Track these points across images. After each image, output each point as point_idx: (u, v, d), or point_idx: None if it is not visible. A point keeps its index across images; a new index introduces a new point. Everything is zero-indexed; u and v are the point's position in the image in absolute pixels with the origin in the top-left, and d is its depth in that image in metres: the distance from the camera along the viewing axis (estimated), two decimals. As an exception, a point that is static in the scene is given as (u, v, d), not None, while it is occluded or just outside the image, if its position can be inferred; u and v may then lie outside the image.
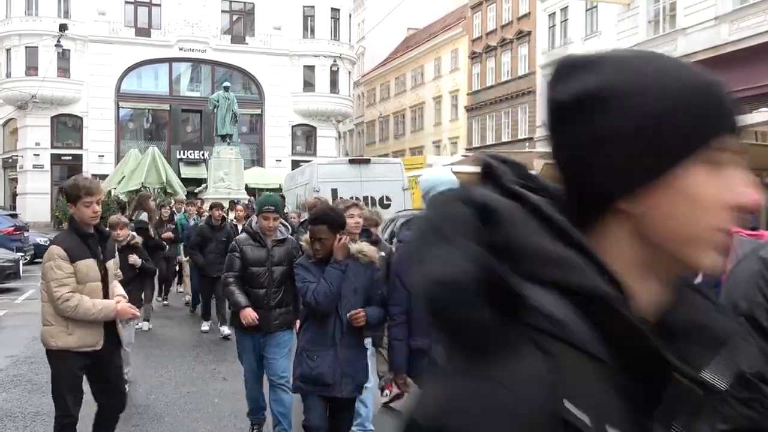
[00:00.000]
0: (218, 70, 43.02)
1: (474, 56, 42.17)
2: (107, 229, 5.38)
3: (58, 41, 35.48)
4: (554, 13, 33.50)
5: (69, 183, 4.41)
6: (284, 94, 43.07)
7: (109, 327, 4.48)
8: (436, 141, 47.28)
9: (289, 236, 5.81)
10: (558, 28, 33.41)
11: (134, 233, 9.71)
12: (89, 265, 4.34)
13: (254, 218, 5.77)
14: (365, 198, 12.05)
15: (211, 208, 10.71)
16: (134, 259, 7.14)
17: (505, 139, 38.28)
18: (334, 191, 12.26)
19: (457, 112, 44.94)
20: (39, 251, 21.14)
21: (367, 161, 14.66)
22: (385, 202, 12.83)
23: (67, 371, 4.37)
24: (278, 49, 42.98)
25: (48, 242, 22.70)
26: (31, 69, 38.72)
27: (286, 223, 6.18)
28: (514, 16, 37.73)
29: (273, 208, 5.58)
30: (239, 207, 12.08)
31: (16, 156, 41.31)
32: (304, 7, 43.44)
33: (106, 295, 4.45)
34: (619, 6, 20.46)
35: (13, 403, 6.50)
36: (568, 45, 32.31)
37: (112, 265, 4.63)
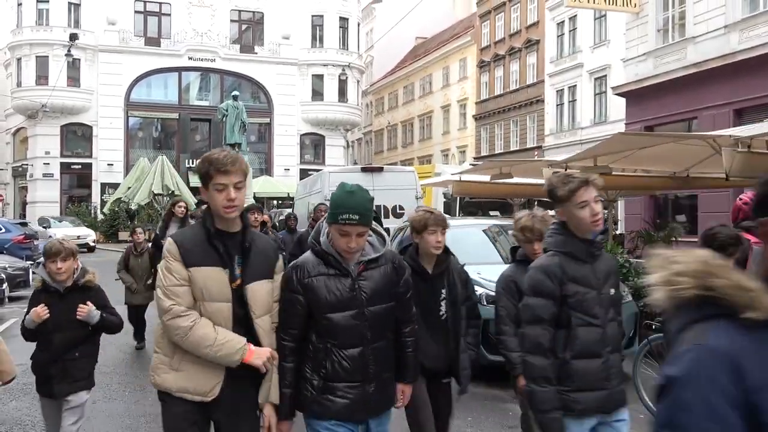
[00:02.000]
0: (227, 79, 43.17)
1: (482, 65, 42.18)
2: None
3: (69, 51, 35.71)
4: (563, 21, 33.48)
5: (200, 160, 3.05)
6: (293, 103, 43.18)
7: (239, 373, 2.98)
8: (444, 150, 47.26)
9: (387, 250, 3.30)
10: (567, 36, 33.38)
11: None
12: (212, 277, 2.94)
13: (323, 227, 3.22)
14: (378, 207, 11.66)
15: (244, 211, 7.73)
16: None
17: (513, 147, 38.23)
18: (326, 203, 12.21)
19: (465, 120, 44.92)
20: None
21: (380, 169, 14.32)
22: (398, 211, 12.59)
23: (170, 423, 3.07)
24: (287, 59, 43.12)
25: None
26: (42, 78, 38.96)
27: (381, 230, 3.37)
28: (522, 24, 37.75)
29: (357, 218, 3.01)
30: (266, 215, 10.19)
31: (26, 165, 41.52)
32: (312, 16, 43.61)
33: (238, 328, 2.99)
34: (628, 14, 20.42)
35: (23, 411, 6.49)
36: (577, 54, 32.29)
37: (260, 288, 3.03)
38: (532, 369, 3.06)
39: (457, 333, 3.87)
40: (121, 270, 9.36)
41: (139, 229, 9.69)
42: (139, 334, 9.39)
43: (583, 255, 3.12)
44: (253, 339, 2.99)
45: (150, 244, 9.55)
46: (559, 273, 3.06)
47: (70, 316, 4.25)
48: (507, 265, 8.00)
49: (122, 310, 8.39)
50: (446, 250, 3.86)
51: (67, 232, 26.43)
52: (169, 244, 2.98)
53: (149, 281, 9.00)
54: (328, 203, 12.17)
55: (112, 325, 4.53)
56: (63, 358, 4.33)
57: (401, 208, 12.84)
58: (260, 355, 2.94)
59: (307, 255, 3.15)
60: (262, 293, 3.03)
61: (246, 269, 3.00)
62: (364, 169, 14.30)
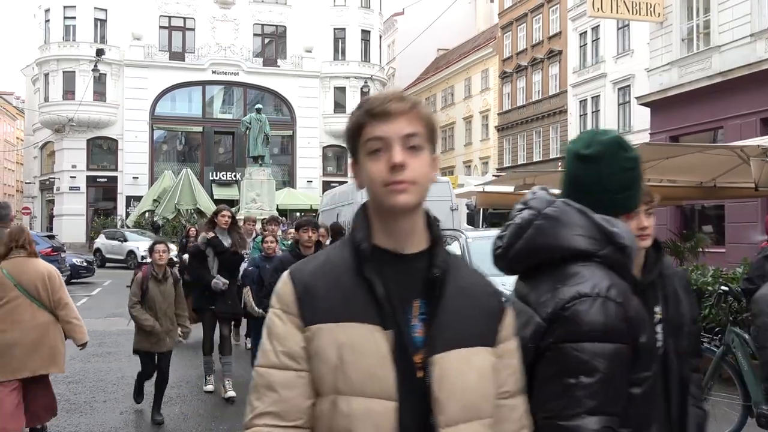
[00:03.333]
0: (250, 93, 43.52)
1: (504, 76, 42.13)
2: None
3: (95, 66, 36.22)
4: (585, 32, 33.38)
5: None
6: (315, 115, 43.42)
7: None
8: (467, 161, 47.19)
9: None
10: (589, 46, 33.27)
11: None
12: (359, 343, 1.44)
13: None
14: None
15: (297, 229, 6.61)
16: None
17: (536, 158, 38.08)
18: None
19: (487, 131, 44.84)
20: (75, 272, 21.51)
21: None
22: None
23: None
24: (309, 71, 43.40)
25: (84, 262, 23.09)
26: (68, 93, 39.56)
27: None
28: (544, 35, 37.67)
29: None
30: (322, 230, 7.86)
31: (53, 178, 42.13)
32: (334, 29, 43.89)
33: None
34: (651, 24, 20.30)
35: (51, 422, 6.55)
36: (600, 64, 32.14)
37: (464, 366, 1.48)
38: None
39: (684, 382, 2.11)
40: (136, 304, 6.55)
41: (161, 246, 6.76)
42: (158, 395, 6.67)
43: None
44: None
45: (176, 267, 7.91)
46: None
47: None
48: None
49: (125, 364, 7.44)
50: (657, 245, 2.29)
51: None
52: (282, 283, 1.52)
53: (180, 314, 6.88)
54: None
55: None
56: None
57: (436, 220, 12.55)
58: None
59: (612, 276, 1.70)
60: (469, 377, 1.47)
61: (436, 327, 1.46)
62: None
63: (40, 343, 5.22)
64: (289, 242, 8.62)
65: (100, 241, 30.74)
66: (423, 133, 1.48)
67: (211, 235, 7.44)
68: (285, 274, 1.56)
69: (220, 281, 7.40)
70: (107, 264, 28.66)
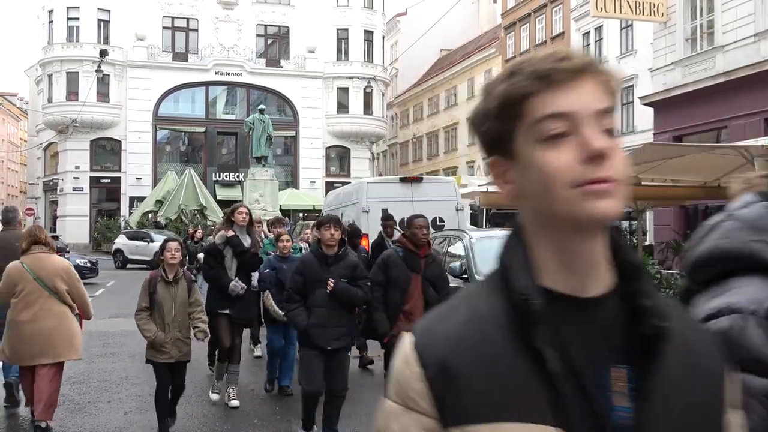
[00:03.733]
0: (253, 93, 43.54)
1: (507, 76, 42.10)
2: None
3: (99, 67, 36.28)
4: (588, 32, 33.33)
5: (490, 82, 1.05)
6: (318, 116, 43.44)
7: None
8: (470, 161, 47.15)
9: None
10: (593, 47, 33.20)
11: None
12: None
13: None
14: None
15: (318, 226, 5.82)
16: None
17: (539, 158, 38.03)
18: (385, 211, 11.55)
19: (490, 132, 44.81)
20: (78, 272, 21.44)
21: (419, 180, 13.72)
22: (438, 223, 11.96)
23: None
24: (312, 72, 43.43)
25: (87, 263, 23.13)
26: (72, 94, 39.62)
27: None
28: (547, 36, 37.63)
29: None
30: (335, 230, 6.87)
31: (57, 179, 42.19)
32: (337, 30, 43.91)
33: None
34: (655, 24, 20.27)
35: (56, 422, 6.55)
36: (603, 64, 32.08)
37: None
38: None
39: None
40: (141, 311, 5.87)
41: (173, 244, 6.14)
42: (172, 406, 6.18)
43: None
44: None
45: (185, 267, 6.77)
46: None
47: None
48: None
49: (129, 365, 7.98)
50: None
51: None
52: (403, 362, 0.97)
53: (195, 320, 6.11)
54: (366, 215, 11.27)
55: None
56: None
57: (441, 220, 12.23)
58: None
59: None
60: None
61: (654, 410, 0.93)
62: (402, 180, 13.60)
63: (58, 331, 5.73)
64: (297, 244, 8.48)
65: (121, 242, 29.66)
66: (613, 110, 0.97)
67: (231, 233, 6.88)
68: (407, 346, 0.98)
69: (238, 285, 6.84)
70: (128, 265, 27.99)
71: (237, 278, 6.91)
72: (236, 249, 6.88)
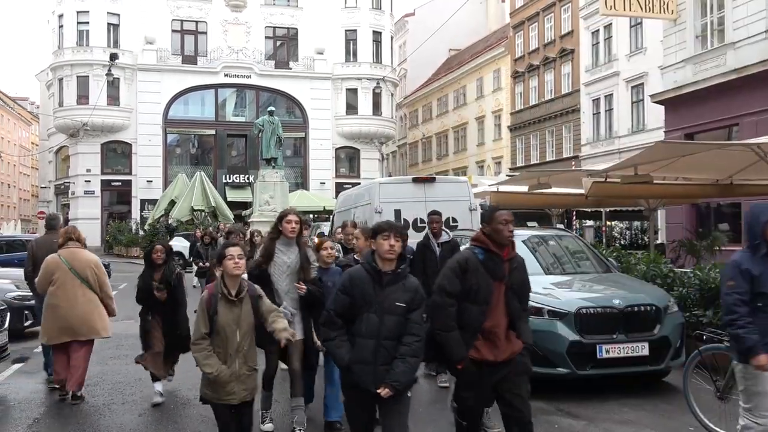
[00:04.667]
0: (262, 95, 43.67)
1: (516, 75, 42.02)
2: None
3: (109, 70, 36.46)
4: (598, 30, 33.23)
5: None
6: (327, 117, 43.53)
7: None
8: (479, 161, 47.11)
9: None
10: (602, 45, 33.11)
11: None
12: None
13: None
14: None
15: (373, 235, 4.49)
16: None
17: (549, 158, 37.94)
18: (398, 212, 11.49)
19: (500, 131, 44.75)
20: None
21: (432, 180, 13.54)
22: (452, 223, 11.80)
23: None
24: (321, 73, 43.50)
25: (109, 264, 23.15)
26: (82, 98, 39.87)
27: None
28: (556, 34, 37.54)
29: None
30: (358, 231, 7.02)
31: (68, 182, 42.45)
32: (346, 31, 43.97)
33: None
34: (665, 21, 20.18)
35: (72, 425, 6.59)
36: (613, 62, 31.99)
37: None
38: None
39: None
40: (201, 340, 4.56)
41: (235, 250, 4.73)
42: None
43: None
44: None
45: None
46: None
47: None
48: (548, 277, 7.98)
49: (141, 367, 7.27)
50: None
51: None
52: None
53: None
54: (379, 215, 10.38)
55: None
56: None
57: (454, 220, 12.06)
58: None
59: None
60: None
61: None
62: (415, 180, 13.35)
63: (89, 313, 7.00)
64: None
65: (180, 244, 26.08)
66: None
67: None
68: None
69: (288, 311, 5.73)
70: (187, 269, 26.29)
71: (285, 303, 5.85)
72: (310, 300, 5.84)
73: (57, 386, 7.28)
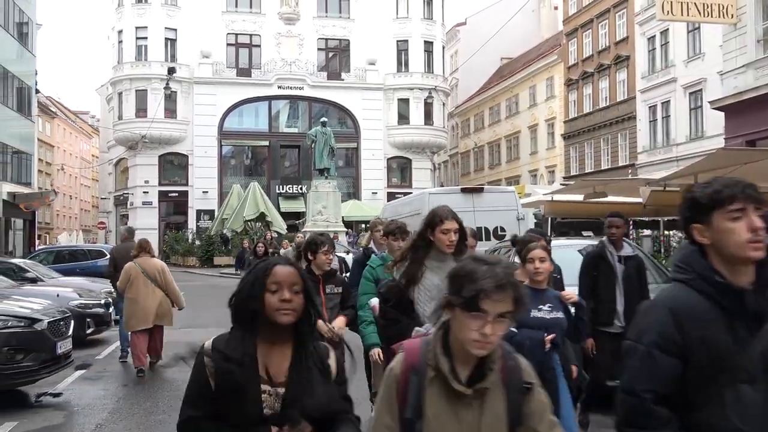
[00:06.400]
0: (315, 106, 44.13)
1: (570, 83, 41.52)
2: None
3: (167, 84, 37.35)
4: (654, 36, 32.62)
5: None
6: (379, 127, 43.70)
7: None
8: (532, 170, 46.64)
9: None
10: (658, 51, 32.49)
11: None
12: None
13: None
14: (479, 229, 10.53)
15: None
16: None
17: (604, 166, 37.33)
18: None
19: (553, 140, 44.24)
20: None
21: (480, 190, 13.75)
22: (500, 233, 12.01)
23: None
24: (373, 84, 43.73)
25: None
26: (141, 111, 40.89)
27: None
28: (611, 41, 37.00)
29: None
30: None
31: (127, 193, 43.54)
32: (397, 41, 44.16)
33: None
34: (724, 26, 19.70)
35: (130, 430, 6.71)
36: (670, 68, 31.36)
37: None
38: None
39: None
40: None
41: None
42: None
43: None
44: None
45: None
46: None
47: None
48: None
49: None
50: None
51: None
52: None
53: None
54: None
55: None
56: None
57: (502, 229, 12.22)
58: None
59: None
60: None
61: None
62: (463, 190, 13.63)
63: (158, 306, 9.11)
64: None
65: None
66: None
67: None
68: None
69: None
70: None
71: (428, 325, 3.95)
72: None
73: (135, 367, 9.02)
